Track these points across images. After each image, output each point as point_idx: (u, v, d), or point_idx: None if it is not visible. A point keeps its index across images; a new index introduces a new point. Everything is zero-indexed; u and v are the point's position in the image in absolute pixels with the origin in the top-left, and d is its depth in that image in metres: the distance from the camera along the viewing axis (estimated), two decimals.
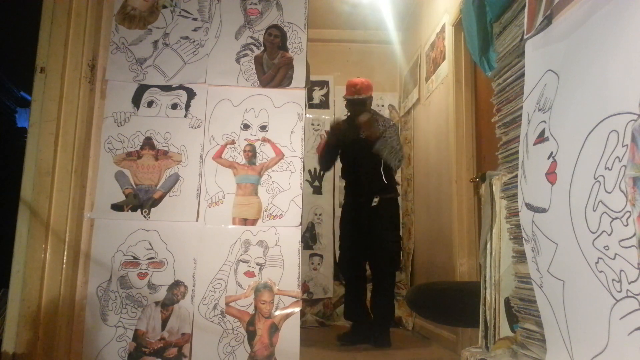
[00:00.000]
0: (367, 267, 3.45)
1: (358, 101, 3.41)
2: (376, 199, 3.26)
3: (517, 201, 1.21)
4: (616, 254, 0.77)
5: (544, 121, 1.04)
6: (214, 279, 1.90)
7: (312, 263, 4.19)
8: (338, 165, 3.91)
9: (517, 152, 1.25)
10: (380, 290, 3.26)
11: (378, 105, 4.62)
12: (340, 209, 3.70)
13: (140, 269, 1.90)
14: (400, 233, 3.74)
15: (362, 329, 3.23)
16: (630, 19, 0.79)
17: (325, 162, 3.63)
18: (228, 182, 1.98)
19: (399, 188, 3.99)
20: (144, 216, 1.93)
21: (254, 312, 1.88)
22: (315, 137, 4.47)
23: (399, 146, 3.31)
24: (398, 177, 4.44)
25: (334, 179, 4.36)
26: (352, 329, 3.28)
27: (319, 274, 4.17)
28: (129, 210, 1.93)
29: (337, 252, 3.69)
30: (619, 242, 0.76)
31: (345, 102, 3.52)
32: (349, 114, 3.51)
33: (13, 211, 1.82)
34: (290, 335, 1.86)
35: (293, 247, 1.93)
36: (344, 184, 3.60)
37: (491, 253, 1.46)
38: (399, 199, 3.68)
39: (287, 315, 1.88)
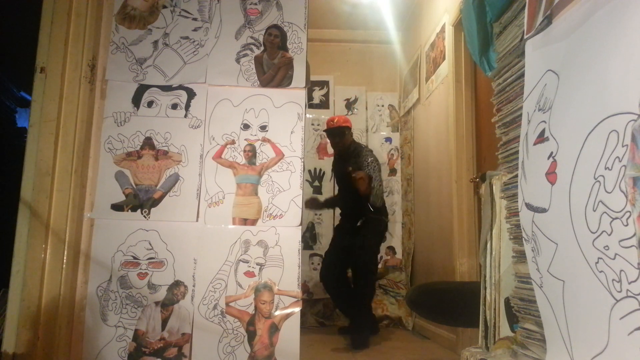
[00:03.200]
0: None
1: (336, 130, 3.63)
2: (361, 221, 3.47)
3: (517, 201, 1.21)
4: (616, 254, 0.77)
5: (544, 121, 1.04)
6: (214, 279, 1.90)
7: (312, 263, 4.19)
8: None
9: (517, 152, 1.25)
10: (359, 296, 3.39)
11: (378, 105, 4.63)
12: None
13: (140, 269, 1.90)
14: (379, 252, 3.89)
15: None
16: (630, 19, 0.79)
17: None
18: (228, 182, 1.98)
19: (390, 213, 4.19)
20: (144, 216, 1.93)
21: (254, 312, 1.88)
22: (315, 137, 4.47)
23: (378, 185, 3.53)
24: (397, 178, 4.44)
25: (334, 179, 4.36)
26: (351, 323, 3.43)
27: (318, 274, 4.17)
28: (129, 210, 1.93)
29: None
30: (619, 242, 0.76)
31: (326, 136, 3.83)
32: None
33: (13, 211, 1.82)
34: (290, 335, 1.86)
35: (293, 247, 1.93)
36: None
37: (491, 253, 1.46)
38: (388, 222, 3.77)
39: (287, 315, 1.88)
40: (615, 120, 0.78)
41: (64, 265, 1.84)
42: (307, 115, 2.12)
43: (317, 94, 4.59)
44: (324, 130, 3.97)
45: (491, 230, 1.47)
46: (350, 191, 3.51)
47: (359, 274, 3.49)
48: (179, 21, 2.10)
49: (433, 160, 3.64)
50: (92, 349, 1.83)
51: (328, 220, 4.31)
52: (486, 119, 2.65)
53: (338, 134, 3.67)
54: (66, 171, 1.88)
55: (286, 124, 2.03)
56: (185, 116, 2.02)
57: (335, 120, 3.70)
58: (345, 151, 3.66)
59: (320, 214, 4.31)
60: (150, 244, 1.91)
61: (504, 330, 1.39)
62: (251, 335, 1.86)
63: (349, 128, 3.66)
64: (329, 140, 3.84)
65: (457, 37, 3.09)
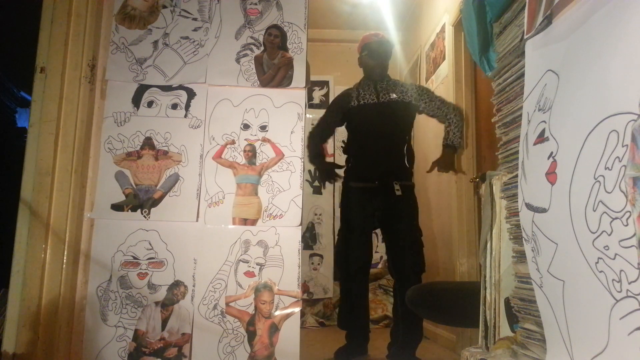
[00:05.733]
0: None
1: (384, 43, 2.81)
2: (397, 186, 2.66)
3: (517, 201, 1.21)
4: (616, 254, 0.77)
5: (544, 121, 1.04)
6: (214, 279, 1.90)
7: (312, 263, 4.19)
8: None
9: (517, 152, 1.25)
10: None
11: None
12: (343, 193, 2.90)
13: (140, 269, 1.90)
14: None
15: (359, 339, 2.78)
16: (630, 19, 0.79)
17: (315, 144, 2.86)
18: (228, 182, 1.98)
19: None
20: (144, 216, 1.93)
21: (254, 312, 1.88)
22: None
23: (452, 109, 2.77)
24: None
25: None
26: (348, 341, 2.79)
27: (319, 274, 4.17)
28: (129, 210, 1.93)
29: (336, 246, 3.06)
30: (619, 242, 0.76)
31: (364, 55, 2.85)
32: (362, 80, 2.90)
33: (13, 211, 1.82)
34: (290, 335, 1.86)
35: (293, 247, 1.93)
36: (348, 161, 2.88)
37: (491, 253, 1.46)
38: None
39: (287, 315, 1.88)
40: (615, 120, 0.78)
41: (64, 265, 1.84)
42: (307, 115, 2.12)
43: (317, 94, 4.60)
44: (365, 45, 2.85)
45: (491, 230, 1.47)
46: (384, 130, 2.70)
47: (414, 266, 2.63)
48: (179, 21, 2.10)
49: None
50: (92, 349, 1.83)
51: (328, 220, 4.31)
52: (486, 119, 2.65)
53: (385, 52, 2.80)
54: (66, 171, 1.88)
55: (286, 124, 2.03)
56: (185, 116, 2.02)
57: (381, 35, 2.86)
58: (382, 79, 2.81)
59: (320, 214, 4.31)
60: (150, 244, 1.92)
61: (504, 330, 1.39)
62: (251, 335, 1.86)
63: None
64: (365, 61, 2.83)
65: (457, 37, 3.10)
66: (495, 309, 1.42)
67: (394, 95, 2.78)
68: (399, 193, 2.65)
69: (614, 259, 0.78)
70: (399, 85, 2.86)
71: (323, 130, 2.95)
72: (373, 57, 2.83)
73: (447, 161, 2.68)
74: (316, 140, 2.87)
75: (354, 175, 2.81)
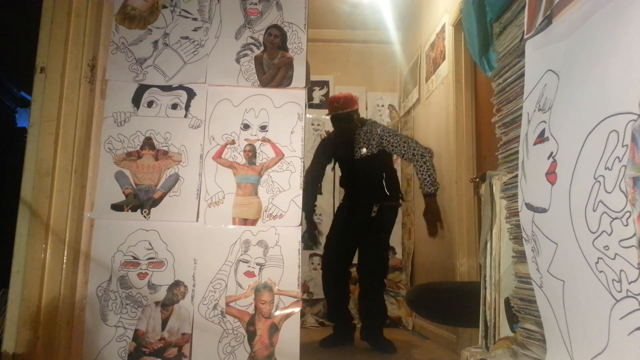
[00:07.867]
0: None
1: (343, 116, 3.21)
2: (375, 208, 3.17)
3: (517, 201, 1.21)
4: (616, 254, 0.77)
5: (544, 121, 1.04)
6: (214, 279, 1.90)
7: (312, 263, 4.19)
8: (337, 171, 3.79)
9: (517, 152, 1.25)
10: (372, 296, 3.15)
11: (378, 105, 4.62)
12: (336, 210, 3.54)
13: (140, 269, 1.90)
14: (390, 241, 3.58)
15: (345, 330, 3.24)
16: (630, 19, 0.79)
17: (312, 191, 3.38)
18: (228, 182, 1.98)
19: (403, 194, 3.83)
20: (144, 216, 1.93)
21: (254, 312, 1.88)
22: (315, 137, 4.47)
23: (415, 149, 3.12)
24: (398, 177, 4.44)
25: (334, 179, 4.36)
26: (335, 331, 3.25)
27: (319, 274, 4.17)
28: (129, 210, 1.93)
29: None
30: (619, 242, 0.76)
31: (331, 120, 3.37)
32: (335, 130, 3.39)
33: (13, 211, 1.82)
34: (290, 335, 1.86)
35: (293, 247, 1.93)
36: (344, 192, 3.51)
37: (491, 253, 1.46)
38: (400, 207, 3.49)
39: (287, 315, 1.88)
40: (615, 120, 0.78)
41: (64, 265, 1.84)
42: (307, 115, 2.12)
43: (317, 94, 4.60)
44: (328, 116, 3.40)
45: (491, 230, 1.47)
46: (362, 176, 3.20)
47: (369, 277, 3.16)
48: (179, 21, 2.10)
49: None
50: (92, 349, 1.83)
51: (328, 221, 4.30)
52: (486, 119, 2.65)
53: (346, 119, 3.21)
54: (66, 171, 1.88)
55: (286, 124, 2.03)
56: (185, 116, 2.02)
57: (342, 102, 3.21)
58: (352, 136, 3.24)
59: (320, 214, 4.31)
60: (150, 244, 1.91)
61: (504, 330, 1.39)
62: (251, 335, 1.86)
63: (357, 110, 3.28)
64: (333, 124, 3.33)
65: (457, 37, 3.10)
66: (495, 309, 1.42)
67: (364, 150, 3.22)
68: (374, 215, 3.16)
69: (614, 259, 0.78)
70: (367, 138, 3.22)
71: (316, 171, 3.43)
72: (336, 128, 3.34)
73: (431, 211, 3.01)
74: (313, 186, 3.39)
75: (344, 198, 3.45)
